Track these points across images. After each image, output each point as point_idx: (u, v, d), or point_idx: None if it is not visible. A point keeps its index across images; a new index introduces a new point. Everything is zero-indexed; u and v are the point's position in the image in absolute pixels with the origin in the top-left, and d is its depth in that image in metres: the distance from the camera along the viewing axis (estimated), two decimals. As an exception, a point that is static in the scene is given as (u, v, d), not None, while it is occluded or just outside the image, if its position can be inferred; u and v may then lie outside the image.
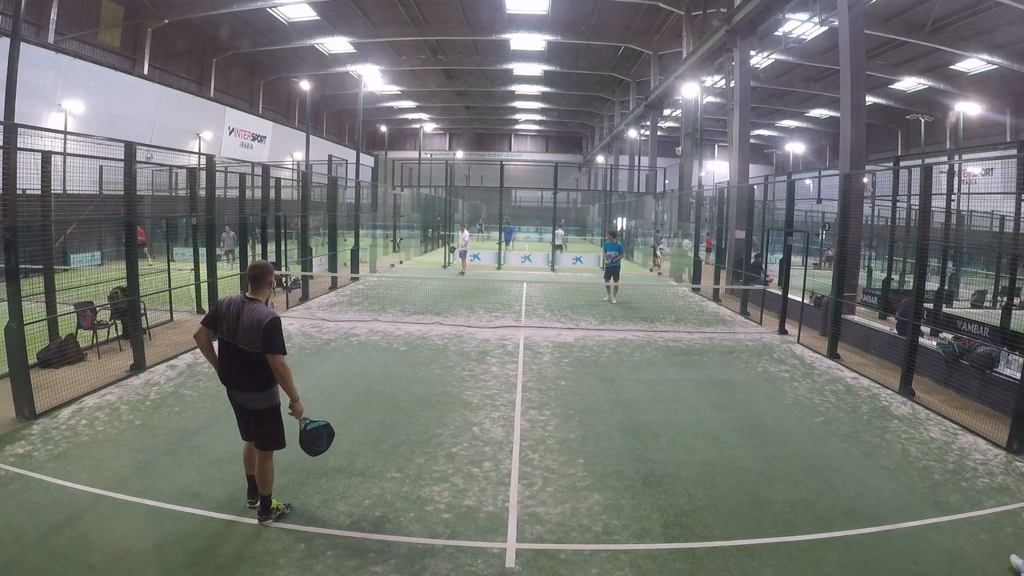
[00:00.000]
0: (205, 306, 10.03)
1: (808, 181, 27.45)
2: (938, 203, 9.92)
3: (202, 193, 10.94)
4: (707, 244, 19.82)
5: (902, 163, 13.28)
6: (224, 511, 4.08)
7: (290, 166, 30.09)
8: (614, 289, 14.01)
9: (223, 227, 18.03)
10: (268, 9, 25.52)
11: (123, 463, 4.78)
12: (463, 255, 19.48)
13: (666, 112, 33.05)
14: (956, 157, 16.88)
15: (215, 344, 4.01)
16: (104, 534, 3.79)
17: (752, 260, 14.33)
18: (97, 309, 8.18)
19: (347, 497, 4.34)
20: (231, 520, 3.98)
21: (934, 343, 7.89)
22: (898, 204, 12.64)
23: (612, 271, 14.12)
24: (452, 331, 10.15)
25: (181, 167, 16.81)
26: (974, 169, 15.26)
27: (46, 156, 6.46)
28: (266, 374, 3.83)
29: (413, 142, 52.22)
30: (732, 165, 17.57)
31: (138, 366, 7.28)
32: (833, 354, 9.06)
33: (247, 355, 3.80)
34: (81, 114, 19.99)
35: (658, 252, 23.28)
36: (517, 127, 58.37)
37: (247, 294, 3.93)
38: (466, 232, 20.18)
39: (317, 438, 3.99)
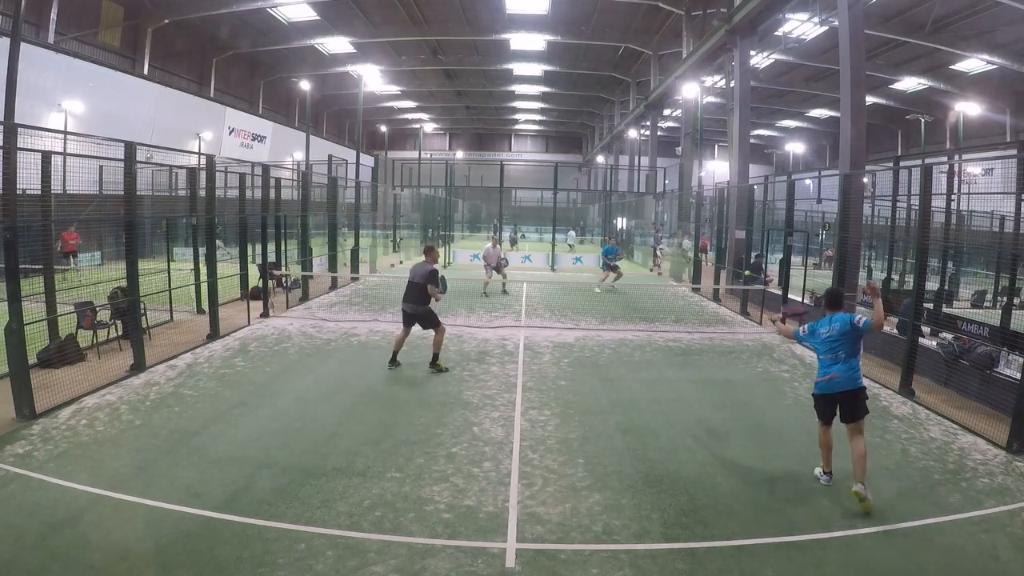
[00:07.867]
0: (205, 306, 10.02)
1: (808, 181, 27.45)
2: (938, 203, 9.91)
3: (202, 193, 10.94)
4: (703, 245, 19.70)
5: (902, 163, 13.26)
6: (224, 511, 4.08)
7: (290, 166, 30.07)
8: (614, 278, 15.72)
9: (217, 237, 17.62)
10: (268, 9, 25.52)
11: (123, 463, 4.78)
12: (499, 269, 15.16)
13: (666, 112, 33.00)
14: (956, 157, 16.89)
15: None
16: (104, 534, 3.78)
17: (752, 260, 14.33)
18: (97, 309, 8.18)
19: (347, 497, 4.34)
20: (231, 520, 3.98)
21: (934, 343, 7.89)
22: (898, 204, 12.64)
23: (614, 268, 15.97)
24: (452, 331, 10.11)
25: (181, 167, 16.79)
26: (974, 169, 15.27)
27: (46, 156, 6.46)
28: (425, 296, 7.51)
29: (413, 142, 52.15)
30: (732, 165, 17.56)
31: (138, 366, 7.28)
32: (833, 354, 9.03)
33: (418, 285, 7.52)
34: (81, 114, 19.99)
35: (658, 252, 23.27)
36: (517, 127, 58.32)
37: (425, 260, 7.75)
38: (497, 246, 15.65)
39: (444, 282, 7.78)
